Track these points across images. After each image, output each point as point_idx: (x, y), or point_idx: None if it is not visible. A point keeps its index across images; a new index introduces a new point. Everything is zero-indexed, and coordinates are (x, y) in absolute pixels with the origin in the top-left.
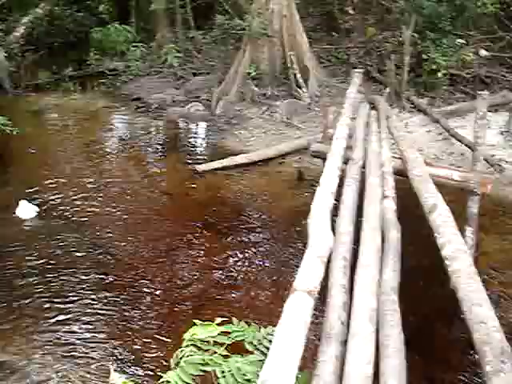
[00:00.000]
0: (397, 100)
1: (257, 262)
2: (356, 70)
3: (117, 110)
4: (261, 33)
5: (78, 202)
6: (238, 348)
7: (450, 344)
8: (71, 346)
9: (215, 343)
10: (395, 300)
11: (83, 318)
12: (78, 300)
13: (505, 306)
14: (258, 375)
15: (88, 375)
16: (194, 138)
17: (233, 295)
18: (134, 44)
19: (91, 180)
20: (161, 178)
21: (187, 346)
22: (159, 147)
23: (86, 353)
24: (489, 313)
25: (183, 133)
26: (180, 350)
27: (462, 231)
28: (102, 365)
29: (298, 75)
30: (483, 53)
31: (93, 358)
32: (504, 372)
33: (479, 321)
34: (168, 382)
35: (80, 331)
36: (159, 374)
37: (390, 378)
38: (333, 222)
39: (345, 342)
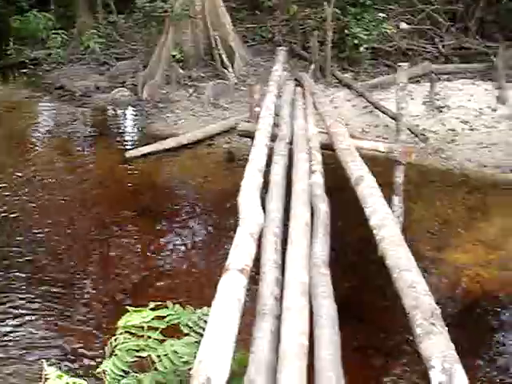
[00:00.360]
0: (322, 76)
1: (192, 246)
2: (280, 47)
3: (40, 100)
4: (183, 14)
5: (4, 196)
6: (175, 332)
7: (382, 311)
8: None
9: (150, 328)
10: (326, 272)
11: (15, 313)
12: (8, 296)
13: (432, 270)
14: (195, 356)
15: (22, 372)
16: (122, 123)
17: (170, 281)
18: (54, 31)
19: (18, 173)
20: (90, 167)
21: (121, 333)
22: (86, 135)
23: (21, 349)
24: (417, 278)
25: (110, 119)
26: (114, 338)
27: (390, 200)
28: (37, 360)
29: (223, 55)
30: (404, 26)
31: (28, 354)
32: (434, 334)
33: (408, 285)
34: (104, 371)
35: (12, 328)
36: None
37: (324, 347)
38: (263, 199)
39: (279, 317)
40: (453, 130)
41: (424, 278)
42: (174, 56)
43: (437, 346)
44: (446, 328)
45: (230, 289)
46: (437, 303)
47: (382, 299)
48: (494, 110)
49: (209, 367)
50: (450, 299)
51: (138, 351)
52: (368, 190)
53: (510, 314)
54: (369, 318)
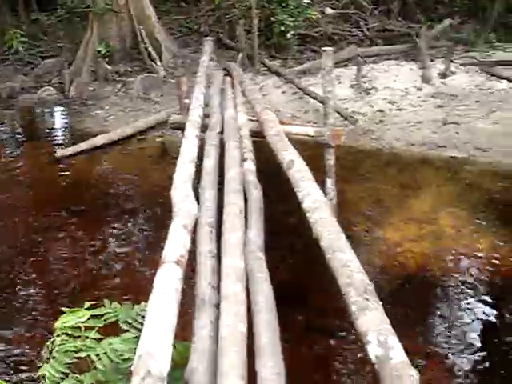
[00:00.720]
0: (250, 64)
1: (128, 242)
2: (207, 38)
3: None
4: (106, 8)
5: None
6: (116, 330)
7: (322, 292)
8: None
9: (87, 328)
10: (262, 257)
11: None
12: None
13: (367, 249)
14: (135, 352)
15: None
16: (50, 123)
17: (109, 280)
18: None
19: None
20: (20, 169)
21: (58, 335)
22: (15, 137)
23: None
24: (351, 256)
25: (38, 120)
26: (51, 340)
27: (324, 183)
28: None
29: (150, 49)
30: (329, 11)
31: None
32: (369, 309)
33: (342, 265)
34: (44, 375)
35: None
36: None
37: (264, 332)
38: (196, 190)
39: (218, 306)
40: (381, 111)
41: (359, 256)
42: (99, 52)
43: (372, 320)
44: (380, 303)
45: (167, 281)
46: (372, 280)
47: (321, 280)
48: (420, 89)
49: (149, 361)
50: (385, 275)
51: (76, 352)
52: (299, 173)
53: (442, 285)
54: (309, 299)
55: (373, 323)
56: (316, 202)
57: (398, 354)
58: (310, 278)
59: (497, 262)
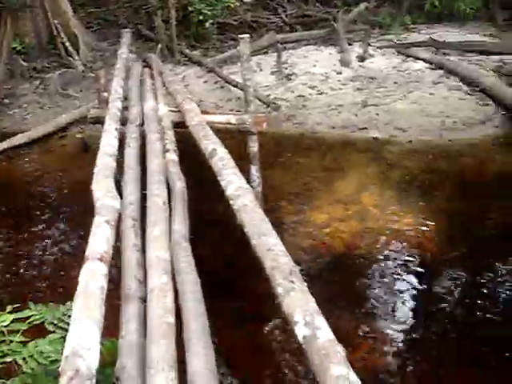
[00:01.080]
0: (170, 55)
1: (53, 242)
2: (125, 30)
3: None
4: (19, 3)
5: None
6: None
7: (250, 278)
8: None
9: (10, 332)
10: (187, 247)
11: None
12: None
13: (295, 232)
14: (62, 353)
15: None
16: None
17: (38, 283)
18: None
19: None
20: None
21: None
22: None
23: None
24: (275, 240)
25: None
26: None
27: (248, 170)
28: None
29: (67, 43)
30: None
31: None
32: (294, 291)
33: (267, 249)
34: None
35: None
36: None
37: (192, 321)
38: (119, 184)
39: (145, 299)
40: (302, 96)
41: (287, 239)
42: (14, 48)
43: (298, 302)
44: (306, 284)
45: (91, 278)
46: (301, 262)
47: (252, 266)
48: (339, 73)
49: (76, 360)
50: (313, 257)
51: (1, 357)
52: (221, 162)
53: (369, 262)
54: (241, 285)
55: (299, 304)
56: (239, 189)
57: (324, 333)
58: (240, 265)
59: (419, 237)
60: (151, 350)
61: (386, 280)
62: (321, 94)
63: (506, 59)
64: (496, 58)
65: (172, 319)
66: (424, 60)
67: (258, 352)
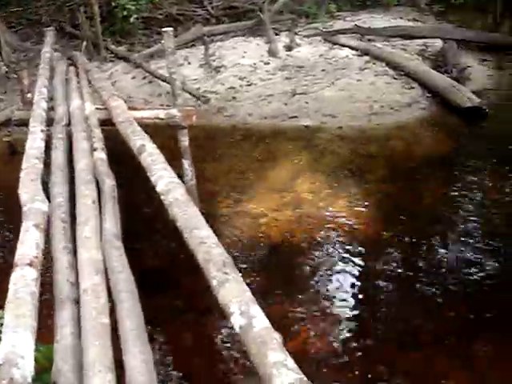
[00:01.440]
0: (96, 52)
1: None
2: (48, 28)
3: None
4: None
5: None
6: None
7: (184, 272)
8: None
9: None
10: (120, 245)
11: None
12: None
13: (231, 223)
14: None
15: None
16: None
17: None
18: None
19: None
20: None
21: None
22: None
23: None
24: (207, 233)
25: None
26: None
27: (180, 165)
28: None
29: None
30: None
31: None
32: (229, 282)
33: (199, 242)
34: None
35: None
36: None
37: (127, 320)
38: (47, 186)
39: (78, 301)
40: (232, 88)
41: (224, 232)
42: None
43: (232, 292)
44: (240, 274)
45: (21, 284)
46: (238, 254)
47: (189, 261)
48: (268, 63)
49: (10, 369)
50: (252, 247)
51: None
52: (151, 157)
53: (307, 248)
54: (179, 281)
55: (234, 295)
56: (169, 183)
57: (260, 321)
58: (176, 260)
59: (353, 219)
60: (87, 353)
61: (323, 264)
62: (250, 85)
63: (428, 42)
64: (420, 41)
65: (106, 320)
66: (350, 47)
67: (199, 346)
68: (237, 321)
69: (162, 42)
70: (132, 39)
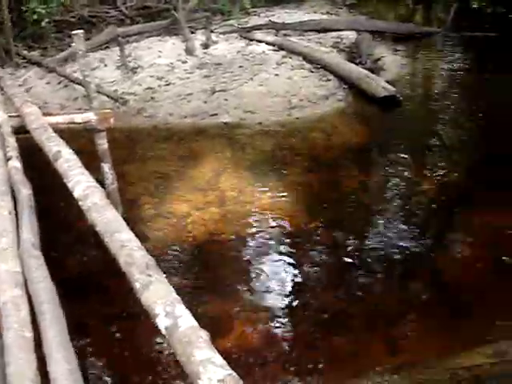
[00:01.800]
0: (8, 58)
1: None
2: None
3: None
4: None
5: None
6: None
7: (108, 277)
8: None
9: None
10: (39, 255)
11: None
12: None
13: (155, 225)
14: None
15: None
16: None
17: None
18: None
19: None
20: None
21: None
22: None
23: None
24: (128, 236)
25: None
26: None
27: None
28: None
29: None
30: None
31: None
32: (152, 284)
33: (120, 245)
34: None
35: None
36: None
37: (50, 331)
38: None
39: None
40: (150, 88)
41: (150, 234)
42: None
43: (157, 294)
44: (164, 275)
45: None
46: (165, 255)
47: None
48: (185, 62)
49: None
50: (179, 248)
51: None
52: (67, 163)
53: (235, 245)
54: (105, 287)
55: (158, 296)
56: (87, 188)
57: (185, 320)
58: (100, 266)
59: (279, 212)
60: (10, 367)
61: (252, 259)
62: (169, 84)
63: (343, 35)
64: (334, 34)
65: (29, 333)
66: (266, 42)
67: (131, 350)
68: (162, 322)
69: (73, 44)
70: (45, 43)
